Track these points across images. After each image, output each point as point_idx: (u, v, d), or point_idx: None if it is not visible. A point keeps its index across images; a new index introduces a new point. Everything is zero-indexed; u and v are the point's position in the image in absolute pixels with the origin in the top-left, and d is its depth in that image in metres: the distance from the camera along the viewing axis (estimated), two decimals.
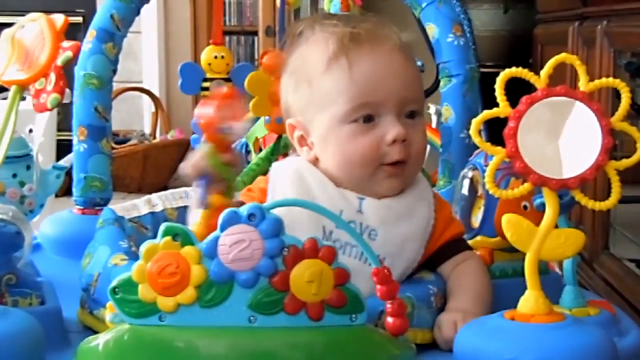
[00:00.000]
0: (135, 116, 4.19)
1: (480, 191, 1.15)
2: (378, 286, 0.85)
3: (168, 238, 0.81)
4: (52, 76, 1.04)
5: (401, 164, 1.08)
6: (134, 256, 1.09)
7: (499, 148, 0.89)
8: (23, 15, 1.13)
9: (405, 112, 1.09)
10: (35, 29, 1.07)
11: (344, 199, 1.08)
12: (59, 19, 1.07)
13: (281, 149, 1.64)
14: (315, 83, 1.10)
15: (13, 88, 1.06)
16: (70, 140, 1.59)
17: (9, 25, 1.12)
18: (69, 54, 1.05)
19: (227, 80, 1.61)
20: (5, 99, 1.07)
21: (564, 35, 2.34)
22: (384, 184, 1.09)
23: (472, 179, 1.16)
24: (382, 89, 1.07)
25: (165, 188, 1.42)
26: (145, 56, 4.20)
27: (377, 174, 1.08)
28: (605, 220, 2.01)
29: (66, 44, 1.05)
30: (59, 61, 1.04)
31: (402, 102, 1.08)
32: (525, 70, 0.89)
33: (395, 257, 1.07)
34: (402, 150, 1.07)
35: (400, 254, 1.08)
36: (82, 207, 1.56)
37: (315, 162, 1.12)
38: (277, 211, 0.83)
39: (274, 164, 1.16)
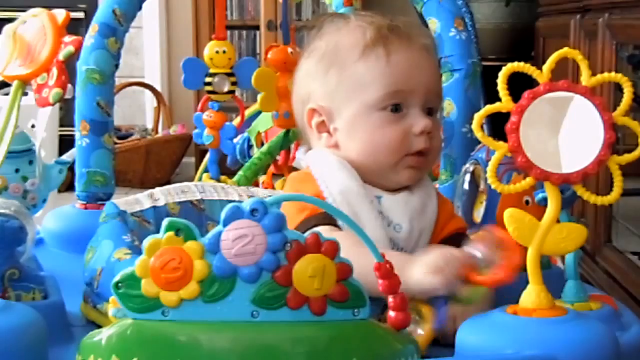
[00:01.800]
0: (137, 111, 4.19)
1: (482, 186, 1.16)
2: (380, 280, 0.85)
3: (171, 233, 0.81)
4: (54, 71, 1.04)
5: (423, 155, 1.11)
6: (137, 250, 1.09)
7: (501, 143, 0.89)
8: (25, 10, 1.13)
9: (426, 107, 1.12)
10: (37, 24, 1.08)
11: (367, 196, 1.10)
12: (61, 14, 1.07)
13: (287, 143, 1.64)
14: (348, 69, 1.12)
15: (15, 83, 1.06)
16: (73, 135, 1.59)
17: (11, 20, 1.12)
18: (71, 48, 1.05)
19: (230, 75, 1.61)
20: (7, 94, 1.07)
21: (566, 28, 2.34)
22: (405, 174, 1.11)
23: (474, 174, 1.16)
24: (414, 80, 1.10)
25: (167, 183, 1.43)
26: (147, 51, 4.19)
27: (400, 163, 1.11)
28: (607, 213, 2.01)
29: (68, 38, 1.06)
30: (61, 56, 1.04)
31: (428, 96, 1.12)
32: (528, 65, 0.89)
33: (414, 251, 1.09)
34: (427, 141, 1.11)
35: (416, 247, 1.10)
36: (84, 202, 1.57)
37: (334, 148, 1.14)
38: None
39: (308, 157, 1.17)
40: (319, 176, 1.11)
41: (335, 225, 1.05)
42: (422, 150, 1.10)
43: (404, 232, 1.09)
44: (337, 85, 1.12)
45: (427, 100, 1.11)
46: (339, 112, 1.12)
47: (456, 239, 1.12)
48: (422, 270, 0.98)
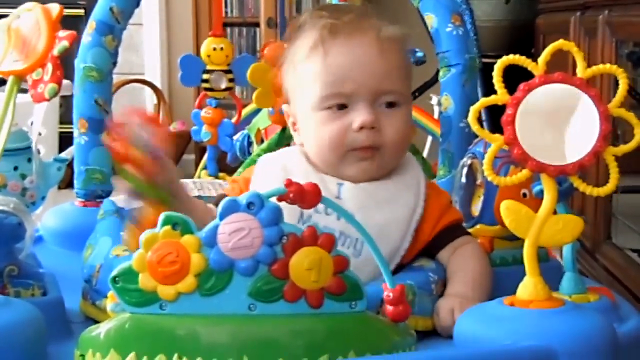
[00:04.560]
0: None
1: (479, 180, 1.16)
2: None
3: (167, 227, 0.81)
4: (49, 66, 1.04)
5: (371, 149, 1.10)
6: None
7: (497, 135, 0.89)
8: (19, 5, 1.13)
9: (381, 102, 1.11)
10: (31, 19, 1.08)
11: (324, 186, 1.09)
12: (55, 8, 1.07)
13: (285, 140, 1.64)
14: (298, 69, 1.14)
15: (10, 78, 1.06)
16: (73, 133, 1.59)
17: (5, 17, 1.12)
18: (65, 43, 1.05)
19: (228, 72, 1.61)
20: (2, 91, 1.07)
21: (566, 25, 2.34)
22: (355, 167, 1.11)
23: (471, 168, 1.17)
24: (354, 79, 1.10)
25: None
26: (146, 48, 4.19)
27: (346, 158, 1.11)
28: (607, 210, 2.01)
29: (62, 33, 1.06)
30: (56, 51, 1.04)
31: (375, 93, 1.11)
32: (523, 58, 0.89)
33: (377, 244, 1.07)
34: (370, 136, 1.10)
35: (380, 239, 1.07)
36: (83, 200, 1.57)
37: (302, 146, 1.16)
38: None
39: (263, 156, 1.19)
40: (253, 180, 1.13)
41: None
42: (367, 146, 1.10)
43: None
44: (291, 87, 1.17)
45: (376, 96, 1.10)
46: (296, 112, 1.16)
47: (452, 231, 1.12)
48: None
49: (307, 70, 1.13)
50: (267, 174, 1.14)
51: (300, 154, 1.15)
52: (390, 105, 1.12)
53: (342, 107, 1.11)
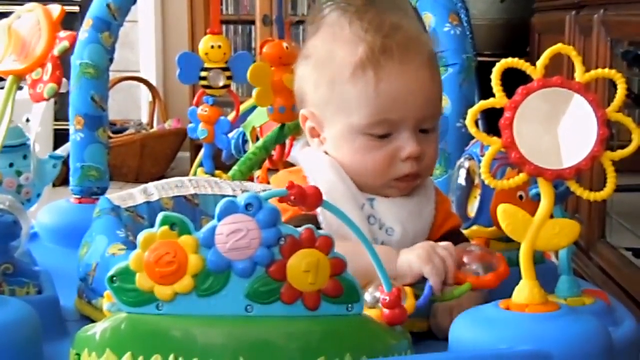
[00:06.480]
0: (132, 105, 4.19)
1: (476, 181, 1.16)
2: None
3: (165, 227, 0.81)
4: (49, 66, 1.04)
5: (415, 175, 1.10)
6: (131, 245, 1.09)
7: (495, 138, 0.89)
8: (20, 4, 1.13)
9: (419, 128, 1.10)
10: (31, 19, 1.08)
11: (362, 195, 1.10)
12: (56, 9, 1.07)
13: (282, 137, 1.64)
14: (338, 86, 1.09)
15: (9, 78, 1.06)
16: (68, 130, 1.59)
17: (6, 14, 1.12)
18: (66, 43, 1.05)
19: (225, 69, 1.61)
20: (1, 88, 1.07)
21: (561, 24, 2.34)
22: (393, 190, 1.11)
23: (468, 169, 1.17)
24: (403, 107, 1.07)
25: (162, 177, 1.43)
26: (142, 45, 4.19)
27: (387, 184, 1.10)
28: (601, 209, 2.02)
29: (63, 33, 1.06)
30: (56, 51, 1.04)
31: (420, 120, 1.09)
32: (522, 61, 0.89)
33: None
34: (414, 165, 1.09)
35: None
36: (79, 197, 1.57)
37: (326, 153, 1.13)
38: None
39: (300, 154, 1.17)
40: (308, 173, 1.12)
41: (318, 227, 1.05)
42: (410, 174, 1.09)
43: (396, 235, 1.09)
44: (326, 100, 1.11)
45: (419, 123, 1.09)
46: (327, 125, 1.12)
47: (451, 236, 1.12)
48: (412, 257, 1.00)
49: (351, 91, 1.08)
50: (323, 169, 1.11)
51: (333, 162, 1.12)
52: (426, 131, 1.10)
53: (384, 135, 1.08)
